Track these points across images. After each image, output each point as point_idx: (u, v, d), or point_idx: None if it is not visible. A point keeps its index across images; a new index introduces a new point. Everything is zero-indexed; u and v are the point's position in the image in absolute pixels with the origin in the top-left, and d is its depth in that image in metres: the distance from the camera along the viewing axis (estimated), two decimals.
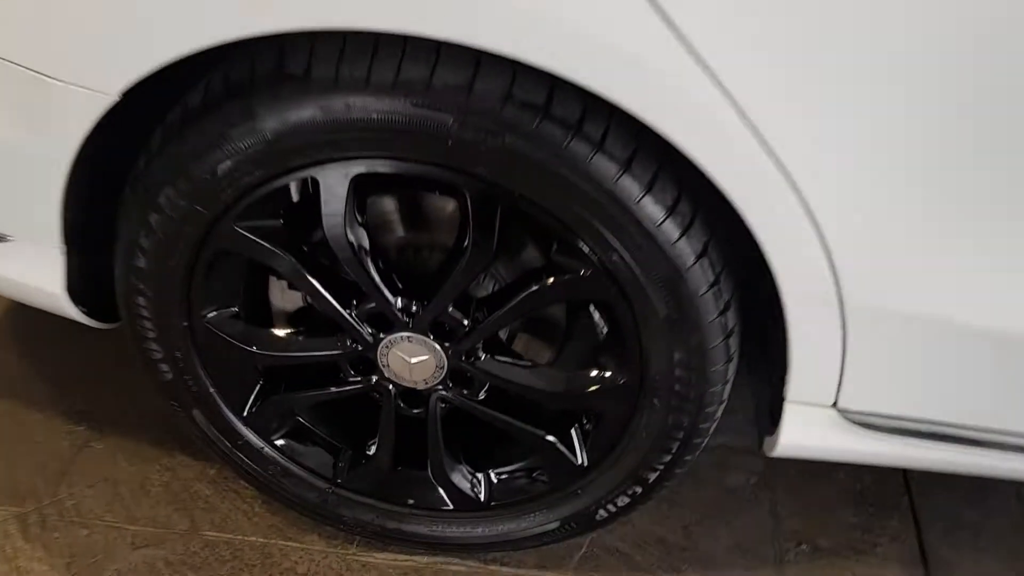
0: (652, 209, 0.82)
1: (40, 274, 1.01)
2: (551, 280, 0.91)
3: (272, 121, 0.82)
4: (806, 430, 0.97)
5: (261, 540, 1.19)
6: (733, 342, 0.92)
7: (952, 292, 0.85)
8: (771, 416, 1.01)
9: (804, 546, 1.19)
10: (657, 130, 0.76)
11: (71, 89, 0.84)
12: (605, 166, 0.80)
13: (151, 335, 1.01)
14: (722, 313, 0.89)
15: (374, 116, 0.80)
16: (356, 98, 0.80)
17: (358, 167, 0.86)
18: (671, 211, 0.83)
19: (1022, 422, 0.93)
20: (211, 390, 1.05)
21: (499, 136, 0.80)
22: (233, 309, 1.01)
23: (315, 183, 0.88)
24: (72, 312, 1.04)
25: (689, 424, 0.96)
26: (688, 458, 1.01)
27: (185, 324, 0.99)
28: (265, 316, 1.07)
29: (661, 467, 1.01)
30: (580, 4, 0.72)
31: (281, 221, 0.93)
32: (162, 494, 1.23)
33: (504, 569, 1.16)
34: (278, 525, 1.20)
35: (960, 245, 0.82)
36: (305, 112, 0.81)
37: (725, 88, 0.73)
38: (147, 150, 0.90)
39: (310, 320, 1.06)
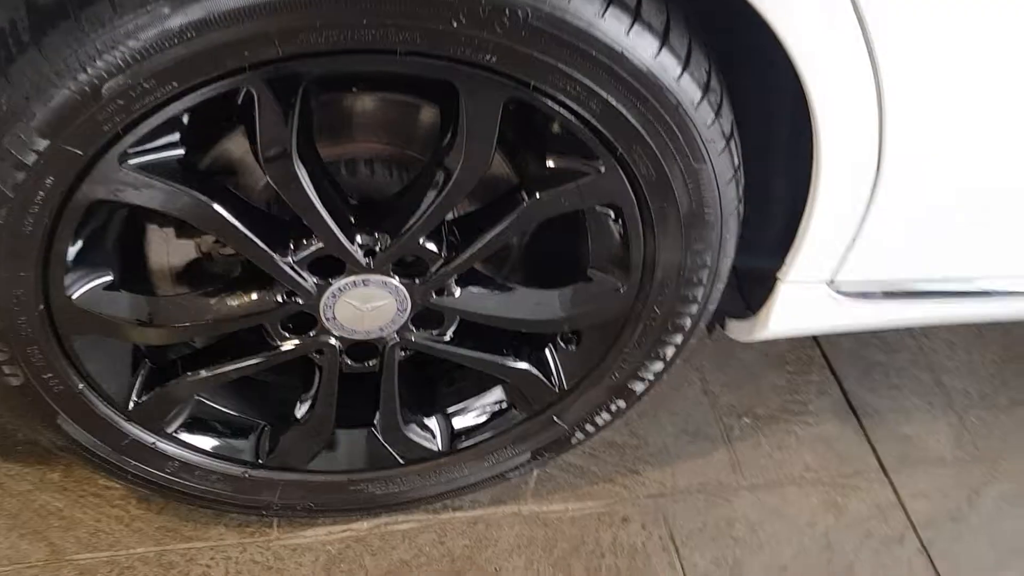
0: (690, 88, 0.67)
1: None
2: (563, 187, 0.73)
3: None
4: (794, 310, 0.91)
5: (154, 549, 0.94)
6: (737, 231, 0.81)
7: (982, 151, 0.79)
8: (747, 301, 0.93)
9: (745, 419, 1.16)
10: None
11: None
12: (646, 43, 0.64)
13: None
14: (740, 202, 0.78)
15: None
16: None
17: (318, 67, 0.62)
18: (706, 89, 0.69)
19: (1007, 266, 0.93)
20: (80, 387, 0.78)
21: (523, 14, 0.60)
22: (107, 278, 0.73)
23: (248, 95, 0.62)
24: None
25: (691, 325, 0.86)
26: (677, 362, 0.90)
27: (41, 308, 0.71)
28: (143, 280, 0.80)
29: (652, 377, 0.90)
30: None
31: (183, 150, 0.67)
32: None
33: (458, 514, 1.01)
34: (168, 525, 0.96)
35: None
36: None
37: None
38: None
39: (208, 276, 0.80)
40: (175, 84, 0.59)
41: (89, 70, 0.58)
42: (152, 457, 0.86)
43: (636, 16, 0.63)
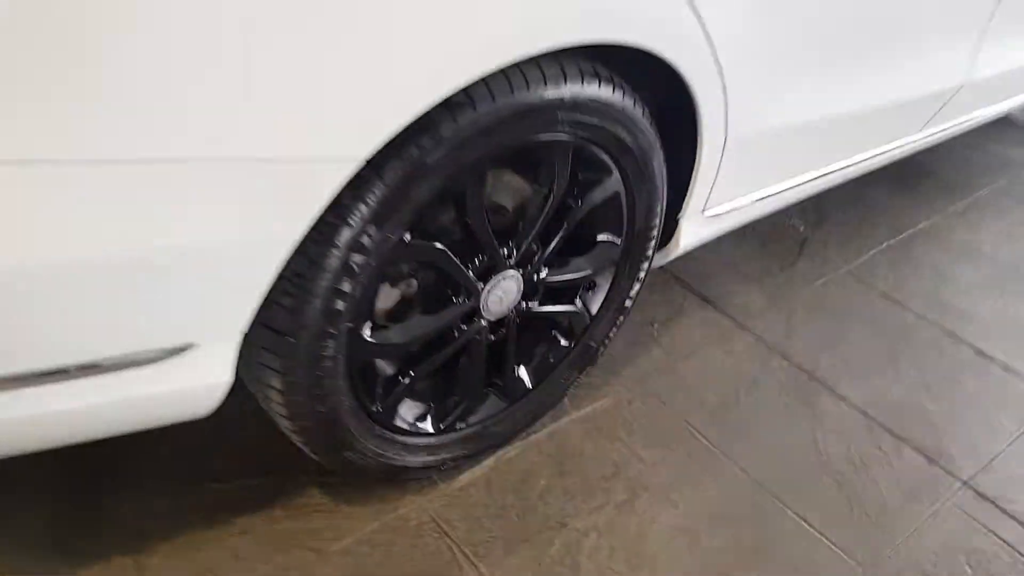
0: (645, 120, 1.28)
1: (208, 373, 1.04)
2: (587, 193, 1.30)
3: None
4: (689, 235, 1.55)
5: (390, 516, 1.35)
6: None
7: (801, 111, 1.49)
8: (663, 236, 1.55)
9: (655, 326, 1.79)
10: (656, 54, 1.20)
11: (303, 168, 0.94)
12: (634, 107, 1.23)
13: (327, 375, 1.12)
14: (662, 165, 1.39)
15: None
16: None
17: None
18: (648, 118, 1.30)
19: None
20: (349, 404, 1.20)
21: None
22: (371, 320, 1.17)
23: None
24: (215, 400, 1.08)
25: (652, 252, 1.46)
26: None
27: (344, 351, 1.13)
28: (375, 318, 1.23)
29: (634, 294, 1.49)
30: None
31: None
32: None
33: (538, 435, 1.52)
34: (386, 500, 1.37)
35: (799, 92, 1.46)
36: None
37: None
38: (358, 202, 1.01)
39: (409, 306, 1.26)
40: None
41: None
42: (386, 445, 1.28)
43: (623, 88, 1.22)
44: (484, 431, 1.42)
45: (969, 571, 1.41)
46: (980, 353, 1.84)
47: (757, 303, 1.88)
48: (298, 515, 1.33)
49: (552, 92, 1.10)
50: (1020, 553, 1.45)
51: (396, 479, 1.37)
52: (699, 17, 1.19)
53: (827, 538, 1.42)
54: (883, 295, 1.95)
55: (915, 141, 1.97)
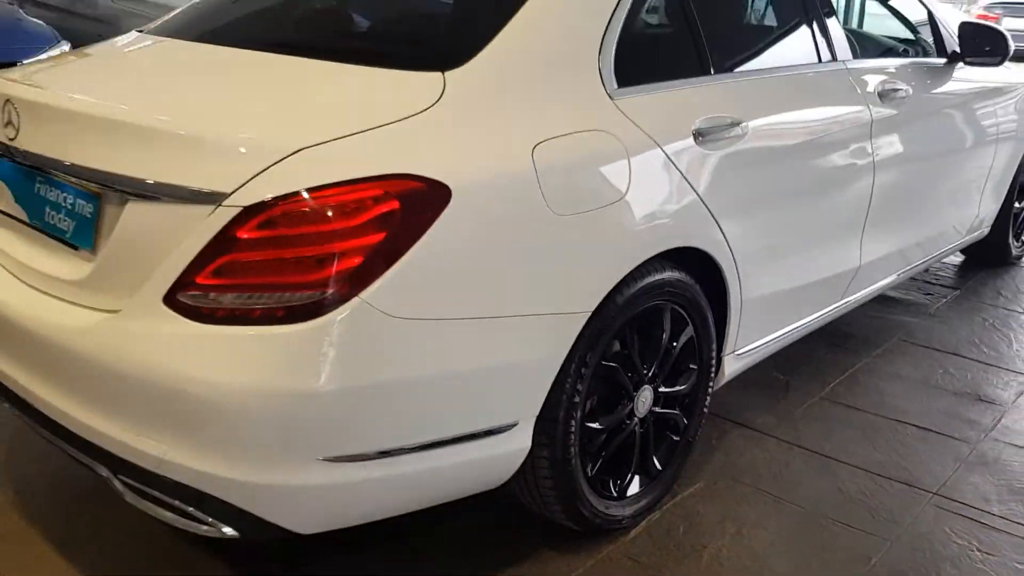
0: (698, 288, 2.26)
1: (522, 440, 1.89)
2: (677, 337, 2.25)
3: None
4: (730, 367, 2.49)
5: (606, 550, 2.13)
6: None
7: (775, 286, 2.50)
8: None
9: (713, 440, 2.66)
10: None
11: (572, 317, 1.88)
12: (695, 284, 2.22)
13: (573, 446, 1.98)
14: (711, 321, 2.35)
15: None
16: None
17: None
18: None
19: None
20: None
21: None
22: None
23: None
24: (520, 461, 1.92)
25: (714, 375, 2.39)
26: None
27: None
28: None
29: (707, 405, 2.40)
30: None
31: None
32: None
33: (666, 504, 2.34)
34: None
35: (779, 274, 2.49)
36: None
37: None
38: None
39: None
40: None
41: None
42: (596, 503, 2.10)
43: (690, 272, 2.21)
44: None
45: None
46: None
47: (769, 421, 2.80)
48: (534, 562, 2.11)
49: (660, 276, 2.09)
50: None
51: (597, 530, 2.17)
52: (723, 231, 2.24)
53: None
54: (845, 406, 2.90)
55: (841, 305, 3.01)
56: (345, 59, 1.94)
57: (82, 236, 1.80)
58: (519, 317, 1.79)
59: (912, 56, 3.29)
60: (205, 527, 1.71)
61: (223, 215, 1.57)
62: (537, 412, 1.90)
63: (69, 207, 1.84)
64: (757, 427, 2.75)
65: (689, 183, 2.10)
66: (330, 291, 1.56)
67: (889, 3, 3.44)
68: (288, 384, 1.57)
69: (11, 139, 1.88)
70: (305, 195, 1.57)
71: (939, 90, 3.24)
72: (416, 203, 1.62)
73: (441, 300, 1.67)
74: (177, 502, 1.70)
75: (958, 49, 3.33)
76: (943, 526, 2.30)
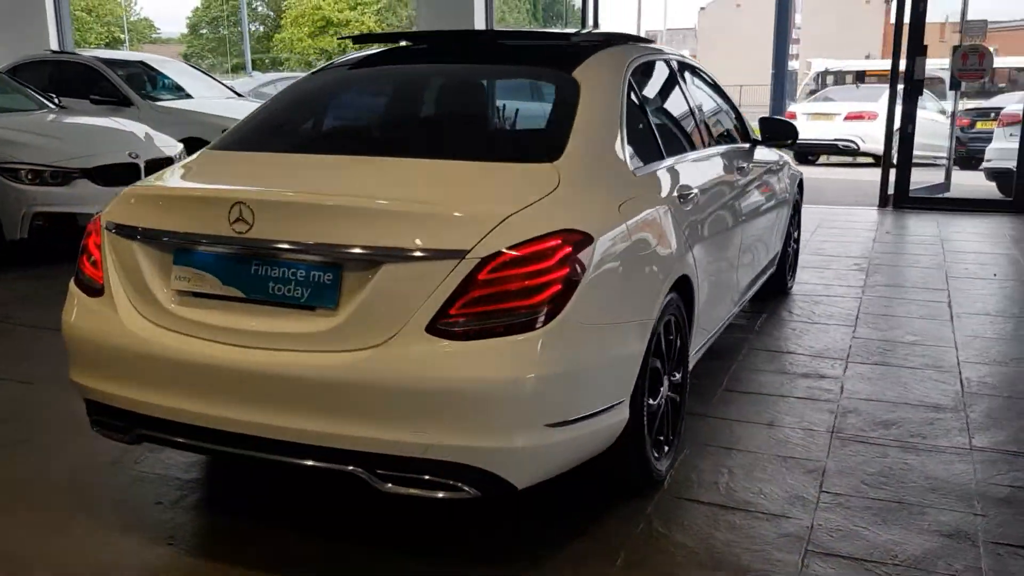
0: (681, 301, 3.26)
1: (624, 412, 2.73)
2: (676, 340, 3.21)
3: None
4: (691, 362, 3.49)
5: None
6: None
7: (711, 297, 3.54)
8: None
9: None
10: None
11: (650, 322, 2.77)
12: (681, 303, 3.22)
13: (647, 414, 2.85)
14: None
15: None
16: None
17: None
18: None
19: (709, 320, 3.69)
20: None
21: None
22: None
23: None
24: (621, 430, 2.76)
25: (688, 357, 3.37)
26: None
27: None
28: None
29: (688, 389, 3.36)
30: None
31: None
32: None
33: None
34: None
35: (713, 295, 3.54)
36: None
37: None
38: None
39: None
40: None
41: None
42: (651, 460, 2.97)
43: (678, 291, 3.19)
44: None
45: None
46: None
47: (696, 408, 3.82)
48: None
49: (671, 295, 3.06)
50: None
51: (650, 482, 3.03)
52: (694, 260, 3.26)
53: None
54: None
55: (733, 312, 4.14)
56: (468, 158, 2.76)
57: (323, 298, 2.43)
58: (628, 323, 2.66)
59: (728, 141, 4.60)
60: (448, 492, 2.38)
61: (467, 265, 2.32)
62: (631, 391, 2.76)
63: (301, 279, 2.45)
64: (694, 412, 3.76)
65: (681, 229, 3.11)
66: (545, 310, 2.35)
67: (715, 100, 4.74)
68: (526, 373, 2.33)
69: (242, 232, 2.46)
70: (517, 247, 2.35)
71: (755, 165, 4.56)
72: (579, 247, 2.46)
73: (598, 312, 2.52)
74: (431, 477, 2.36)
75: (758, 136, 4.69)
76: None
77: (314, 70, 3.60)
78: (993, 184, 10.61)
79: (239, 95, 10.72)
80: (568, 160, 2.72)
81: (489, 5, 10.51)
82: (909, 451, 3.38)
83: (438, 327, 2.33)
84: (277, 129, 3.27)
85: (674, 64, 3.93)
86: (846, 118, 15.68)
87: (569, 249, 2.42)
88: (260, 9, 54.87)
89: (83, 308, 2.76)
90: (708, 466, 3.25)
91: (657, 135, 3.34)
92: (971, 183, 11.04)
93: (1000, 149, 10.26)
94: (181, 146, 7.65)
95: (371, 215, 2.41)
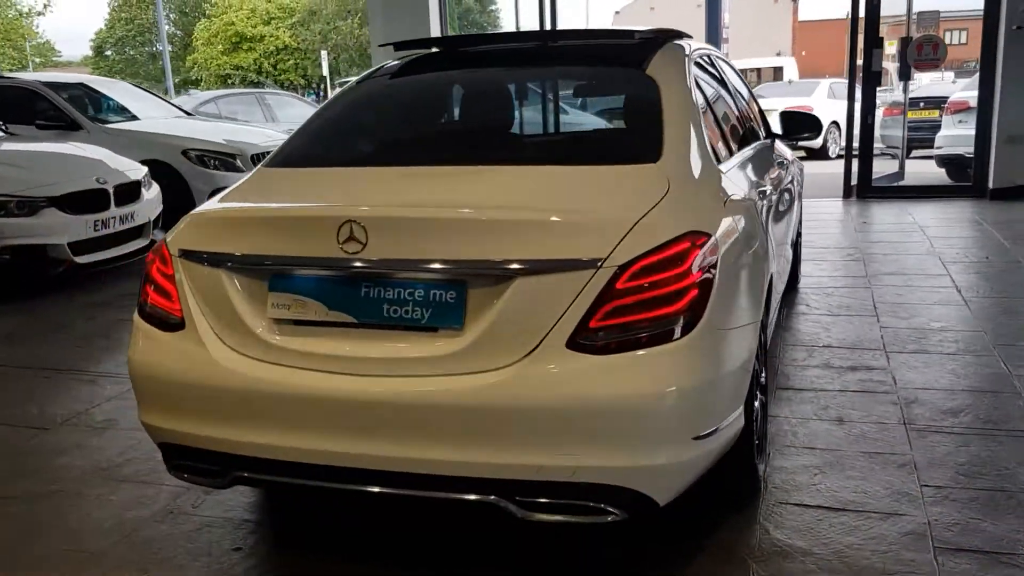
0: None
1: (742, 418, 2.63)
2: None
3: None
4: None
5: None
6: None
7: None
8: None
9: None
10: None
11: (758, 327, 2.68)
12: None
13: (754, 419, 2.75)
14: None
15: None
16: None
17: None
18: None
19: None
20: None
21: None
22: None
23: None
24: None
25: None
26: None
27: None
28: None
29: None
30: None
31: None
32: None
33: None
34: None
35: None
36: None
37: None
38: None
39: None
40: None
41: None
42: (755, 460, 2.87)
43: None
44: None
45: None
46: None
47: None
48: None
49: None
50: None
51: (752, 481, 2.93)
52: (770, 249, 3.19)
53: None
54: None
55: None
56: (571, 162, 2.63)
57: (446, 318, 2.26)
58: (747, 324, 2.56)
59: (756, 135, 4.55)
60: (594, 516, 2.24)
61: (604, 274, 2.19)
62: (746, 395, 2.66)
63: (419, 299, 2.28)
64: None
65: (765, 226, 3.03)
66: (687, 316, 2.23)
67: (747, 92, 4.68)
68: (676, 385, 2.20)
69: (355, 253, 2.28)
70: (652, 253, 2.23)
71: (781, 158, 4.52)
72: (707, 249, 2.35)
73: (726, 315, 2.41)
74: (577, 501, 2.22)
75: (779, 131, 4.65)
76: None
77: (359, 78, 3.39)
78: (943, 171, 10.89)
79: (188, 114, 10.32)
80: (670, 160, 2.61)
81: (443, 12, 10.36)
82: (988, 438, 3.36)
83: (579, 342, 2.18)
84: (348, 142, 3.07)
85: (715, 57, 3.86)
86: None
87: (698, 252, 2.30)
88: (169, 29, 53.48)
89: (158, 344, 2.53)
90: (795, 468, 3.17)
91: (722, 130, 3.25)
92: (920, 170, 11.31)
93: (949, 136, 10.54)
94: (145, 169, 7.31)
95: (499, 227, 2.26)
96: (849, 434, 3.45)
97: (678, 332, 2.21)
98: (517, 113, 3.35)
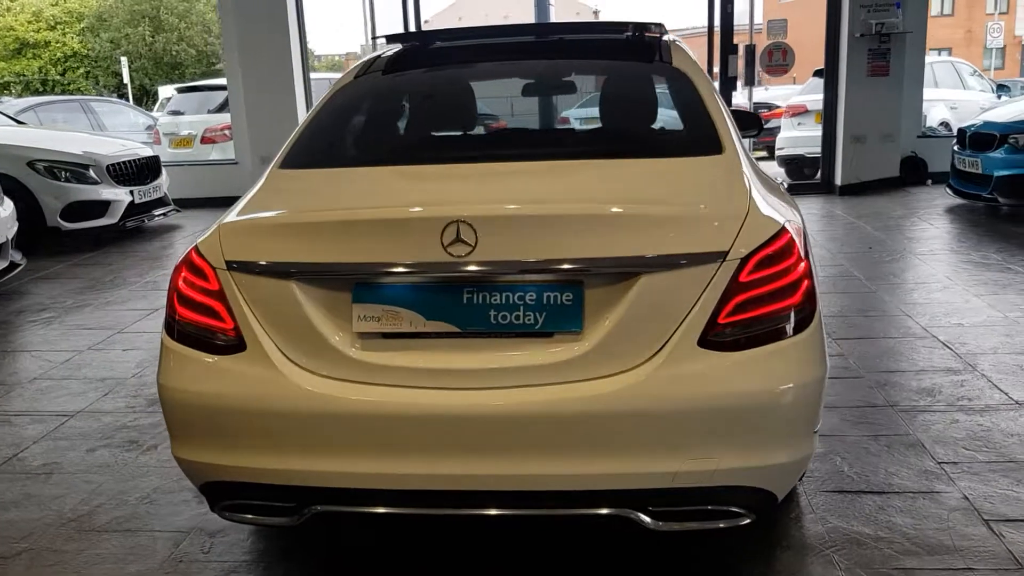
0: None
1: None
2: None
3: None
4: None
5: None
6: None
7: None
8: None
9: None
10: None
11: None
12: None
13: None
14: None
15: None
16: None
17: None
18: None
19: None
20: None
21: None
22: None
23: None
24: None
25: None
26: None
27: None
28: None
29: None
30: None
31: None
32: None
33: None
34: None
35: None
36: None
37: None
38: None
39: None
40: None
41: None
42: None
43: None
44: None
45: None
46: None
47: None
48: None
49: None
50: None
51: None
52: None
53: None
54: None
55: None
56: (648, 155, 2.55)
57: (564, 321, 2.12)
58: (821, 312, 2.55)
59: None
60: (728, 520, 2.17)
61: (729, 268, 2.11)
62: None
63: (531, 303, 2.12)
64: None
65: None
66: (805, 307, 2.20)
67: None
68: (808, 378, 2.16)
69: (462, 256, 2.08)
70: (767, 244, 2.18)
71: None
72: (801, 238, 2.32)
73: (818, 305, 2.39)
74: (712, 506, 2.14)
75: None
76: None
77: (358, 71, 3.12)
78: (783, 169, 11.59)
79: (19, 121, 9.36)
80: (731, 151, 2.56)
81: (300, 13, 9.96)
82: (970, 413, 3.55)
83: (710, 339, 2.10)
84: (390, 139, 2.82)
85: None
86: None
87: (797, 242, 2.28)
88: None
89: (209, 369, 2.21)
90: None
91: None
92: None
93: (790, 138, 11.24)
94: None
95: (620, 222, 2.13)
96: (844, 419, 3.54)
97: (798, 324, 2.17)
98: (553, 107, 3.22)
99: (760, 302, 2.13)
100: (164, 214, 8.79)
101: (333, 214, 2.26)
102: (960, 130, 8.10)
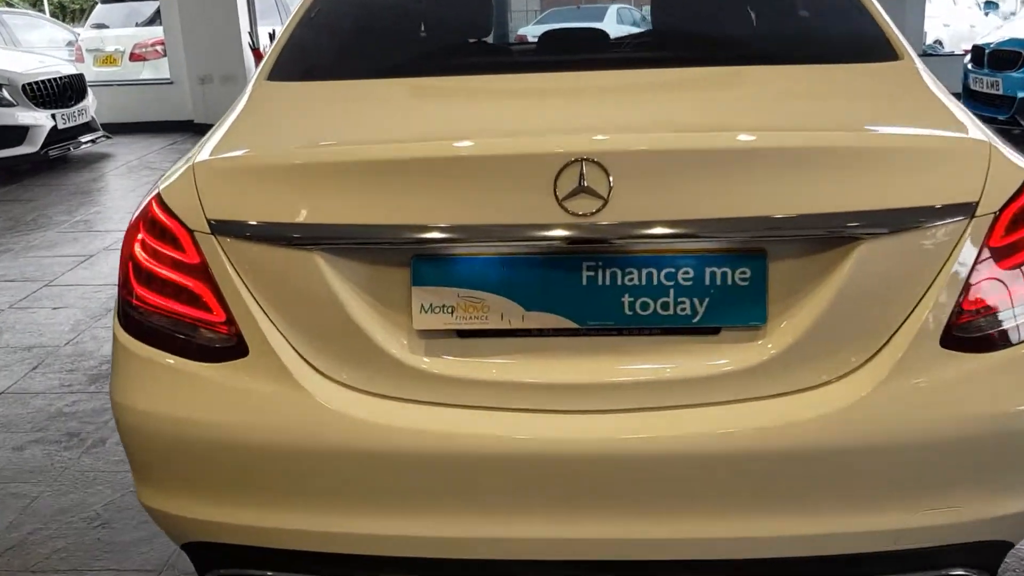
0: None
1: None
2: None
3: None
4: None
5: None
6: None
7: None
8: None
9: None
10: None
11: None
12: None
13: None
14: None
15: None
16: None
17: None
18: None
19: None
20: None
21: None
22: None
23: None
24: None
25: None
26: None
27: None
28: None
29: None
30: None
31: None
32: None
33: None
34: None
35: None
36: None
37: None
38: None
39: None
40: None
41: None
42: None
43: None
44: None
45: None
46: None
47: None
48: None
49: None
50: None
51: None
52: None
53: None
54: None
55: None
56: (805, 61, 1.84)
57: (736, 311, 1.41)
58: None
59: None
60: None
61: (980, 228, 1.41)
62: None
63: (686, 284, 1.40)
64: None
65: None
66: None
67: None
68: None
69: (591, 213, 1.35)
70: (1019, 194, 1.47)
71: None
72: None
73: None
74: (963, 571, 1.49)
75: None
76: None
77: None
78: None
79: None
80: (908, 56, 1.87)
81: None
82: None
83: (954, 336, 1.41)
84: (436, 40, 2.05)
85: None
86: None
87: None
88: None
89: (194, 385, 1.46)
90: None
91: None
92: None
93: None
94: None
95: (822, 161, 1.41)
96: None
97: None
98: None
99: (1019, 277, 1.45)
100: (92, 141, 7.82)
101: (377, 150, 1.47)
102: (976, 47, 7.45)
